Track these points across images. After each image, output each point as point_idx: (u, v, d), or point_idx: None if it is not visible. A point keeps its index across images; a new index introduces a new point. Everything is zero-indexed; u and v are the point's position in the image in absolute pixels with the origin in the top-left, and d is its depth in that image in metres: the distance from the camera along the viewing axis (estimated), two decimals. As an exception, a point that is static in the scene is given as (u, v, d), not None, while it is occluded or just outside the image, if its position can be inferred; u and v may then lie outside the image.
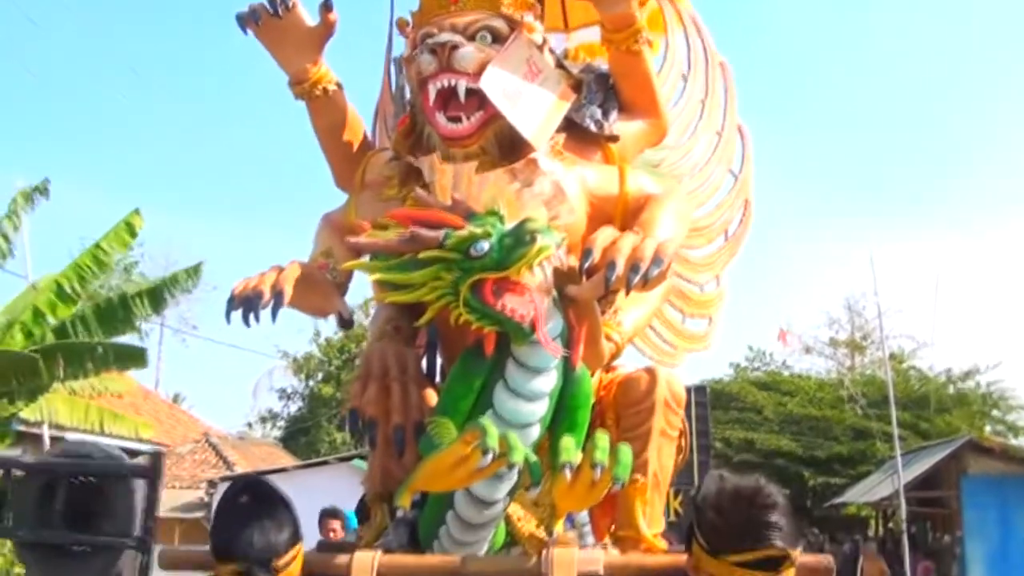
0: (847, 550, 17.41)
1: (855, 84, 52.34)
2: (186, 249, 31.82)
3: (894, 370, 24.03)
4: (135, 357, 8.23)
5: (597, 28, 3.47)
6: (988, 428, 23.45)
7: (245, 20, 2.77)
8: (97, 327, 8.26)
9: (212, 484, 15.38)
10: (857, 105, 51.82)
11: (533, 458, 2.18)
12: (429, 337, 2.84)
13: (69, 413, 8.92)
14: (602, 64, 3.08)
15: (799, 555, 1.94)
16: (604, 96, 2.95)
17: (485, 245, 2.17)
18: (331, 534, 5.91)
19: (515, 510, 2.45)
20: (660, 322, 3.26)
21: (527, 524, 2.44)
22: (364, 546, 2.44)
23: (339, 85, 2.94)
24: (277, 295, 2.35)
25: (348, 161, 2.99)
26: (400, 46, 3.30)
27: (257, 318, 2.33)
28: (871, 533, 22.21)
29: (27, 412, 8.73)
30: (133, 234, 8.70)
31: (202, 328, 28.00)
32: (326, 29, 2.83)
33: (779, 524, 1.88)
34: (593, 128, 2.86)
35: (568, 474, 2.16)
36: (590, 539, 2.58)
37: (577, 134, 2.83)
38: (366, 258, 2.48)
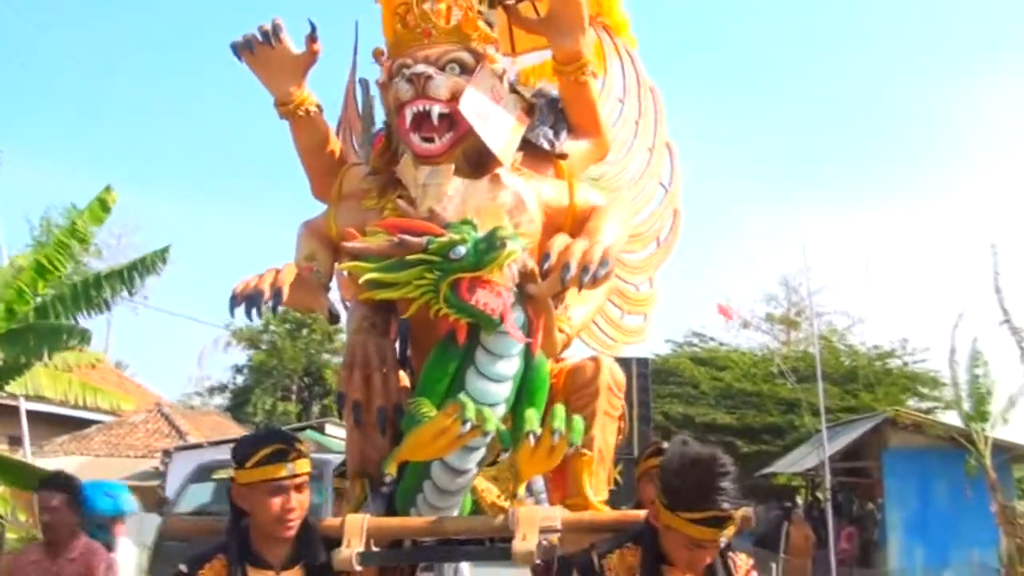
0: (775, 516, 18.21)
1: (792, 62, 53.65)
2: (136, 221, 31.65)
3: (825, 347, 24.99)
4: (80, 336, 8.56)
5: (540, 53, 3.89)
6: (913, 403, 24.49)
7: (240, 49, 3.09)
8: (73, 307, 8.54)
9: (167, 453, 15.54)
10: (793, 81, 53.26)
11: (503, 427, 2.59)
12: (400, 331, 3.22)
13: (53, 387, 9.19)
14: (551, 89, 3.45)
15: (740, 514, 2.31)
16: (555, 118, 3.34)
17: (462, 249, 2.55)
18: (46, 515, 4.07)
19: (479, 483, 2.82)
20: (602, 318, 3.62)
21: (489, 495, 2.83)
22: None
23: (319, 107, 3.25)
24: (276, 293, 2.71)
25: (325, 175, 3.31)
26: (362, 70, 3.66)
27: (259, 314, 2.71)
28: (800, 501, 23.14)
29: (14, 387, 9.00)
30: (107, 210, 8.90)
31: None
32: (310, 57, 3.15)
33: (727, 490, 2.24)
34: (546, 147, 3.24)
35: (532, 440, 2.56)
36: (547, 507, 2.93)
37: (532, 152, 3.19)
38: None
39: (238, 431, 21.03)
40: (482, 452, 2.71)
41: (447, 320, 2.63)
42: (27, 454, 11.33)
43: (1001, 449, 13.72)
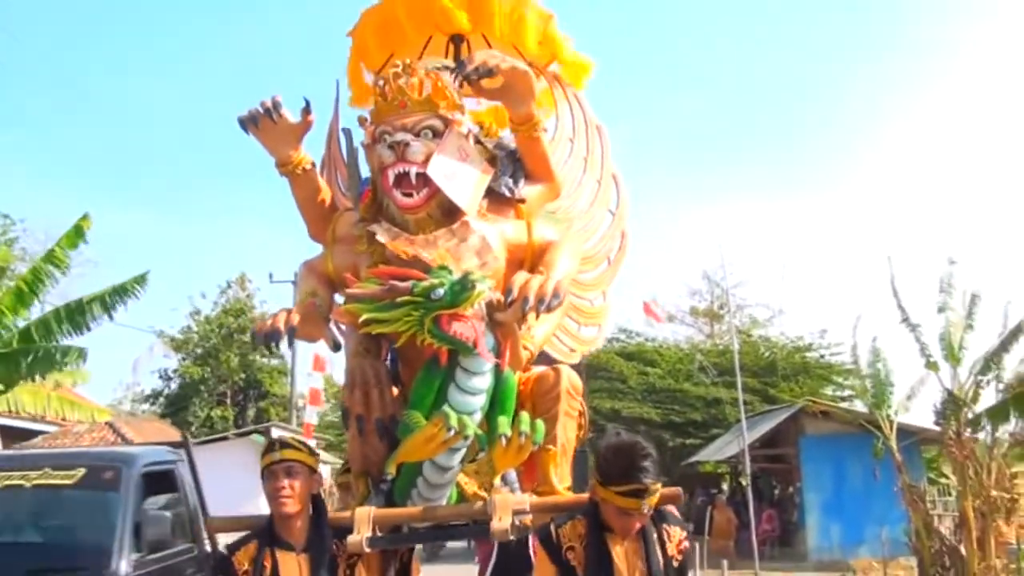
0: (701, 502, 19.14)
1: (709, 53, 55.37)
2: (63, 223, 31.21)
3: (745, 341, 26.09)
4: (77, 355, 8.95)
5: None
6: (831, 391, 25.68)
7: (246, 123, 3.65)
8: (56, 330, 8.94)
9: (118, 461, 15.56)
10: (708, 72, 55.00)
11: (480, 432, 3.22)
12: (391, 352, 3.82)
13: (33, 403, 9.54)
14: (510, 141, 4.05)
15: (659, 487, 2.88)
16: (513, 168, 3.95)
17: (441, 291, 3.16)
18: None
19: (461, 477, 3.42)
20: (562, 332, 4.20)
21: (470, 486, 3.43)
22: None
23: (312, 164, 3.84)
24: (290, 330, 3.31)
25: (320, 220, 3.90)
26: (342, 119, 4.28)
27: (278, 346, 3.32)
28: (725, 487, 24.17)
29: None
30: (82, 236, 9.35)
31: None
32: (305, 126, 3.73)
33: (646, 468, 2.82)
34: (507, 193, 3.85)
35: (504, 441, 3.20)
36: (519, 494, 3.53)
37: (495, 198, 3.80)
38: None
39: (179, 437, 21.10)
40: (463, 452, 3.33)
41: (431, 346, 3.24)
42: None
43: (907, 433, 14.70)
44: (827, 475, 18.14)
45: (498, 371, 3.37)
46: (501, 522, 3.19)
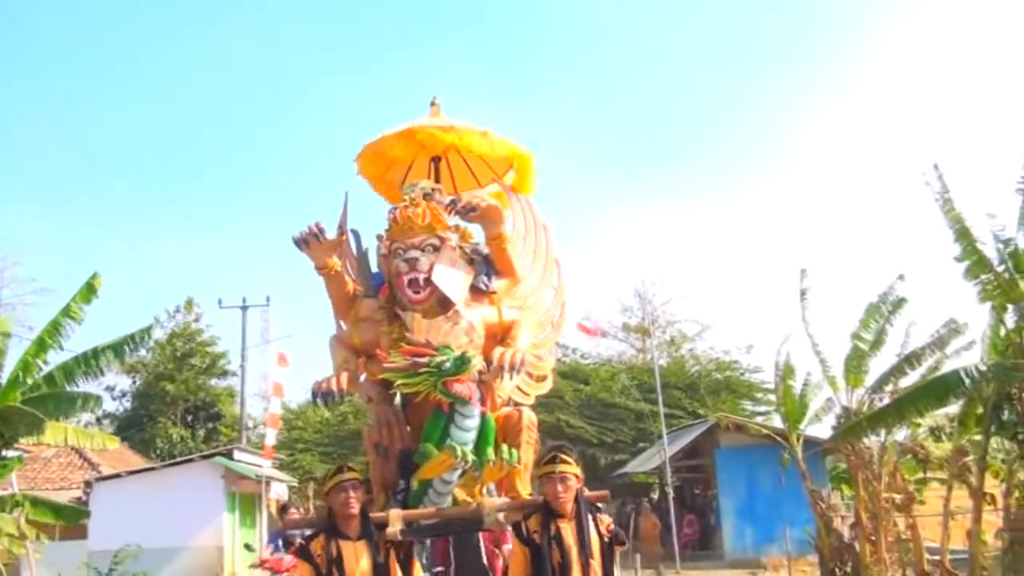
0: (629, 510, 20.75)
1: (632, 72, 57.23)
2: (16, 254, 31.68)
3: (673, 357, 27.90)
4: (94, 401, 10.33)
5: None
6: (750, 407, 27.64)
7: (300, 243, 5.18)
8: (75, 374, 10.27)
9: (88, 484, 16.69)
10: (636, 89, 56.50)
11: (475, 458, 4.73)
12: (403, 401, 5.38)
13: (53, 436, 10.78)
14: (483, 248, 5.62)
15: (571, 461, 4.51)
16: (487, 268, 5.52)
17: (448, 364, 4.66)
18: None
19: (455, 489, 4.94)
20: (521, 381, 5.61)
21: (460, 494, 4.93)
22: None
23: (341, 267, 5.38)
24: (340, 391, 4.85)
25: (344, 304, 5.44)
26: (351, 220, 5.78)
27: (332, 404, 4.86)
28: (655, 496, 25.91)
29: (25, 440, 10.62)
30: (93, 291, 10.70)
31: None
32: (339, 242, 5.30)
33: (563, 449, 4.49)
34: (483, 287, 5.42)
35: (492, 464, 4.69)
36: (497, 498, 5.06)
37: (475, 291, 5.34)
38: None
39: (140, 461, 22.06)
40: (460, 470, 4.87)
41: (436, 398, 4.78)
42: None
43: (812, 444, 16.46)
44: (740, 483, 20.08)
45: (483, 415, 4.90)
46: (489, 517, 4.75)
